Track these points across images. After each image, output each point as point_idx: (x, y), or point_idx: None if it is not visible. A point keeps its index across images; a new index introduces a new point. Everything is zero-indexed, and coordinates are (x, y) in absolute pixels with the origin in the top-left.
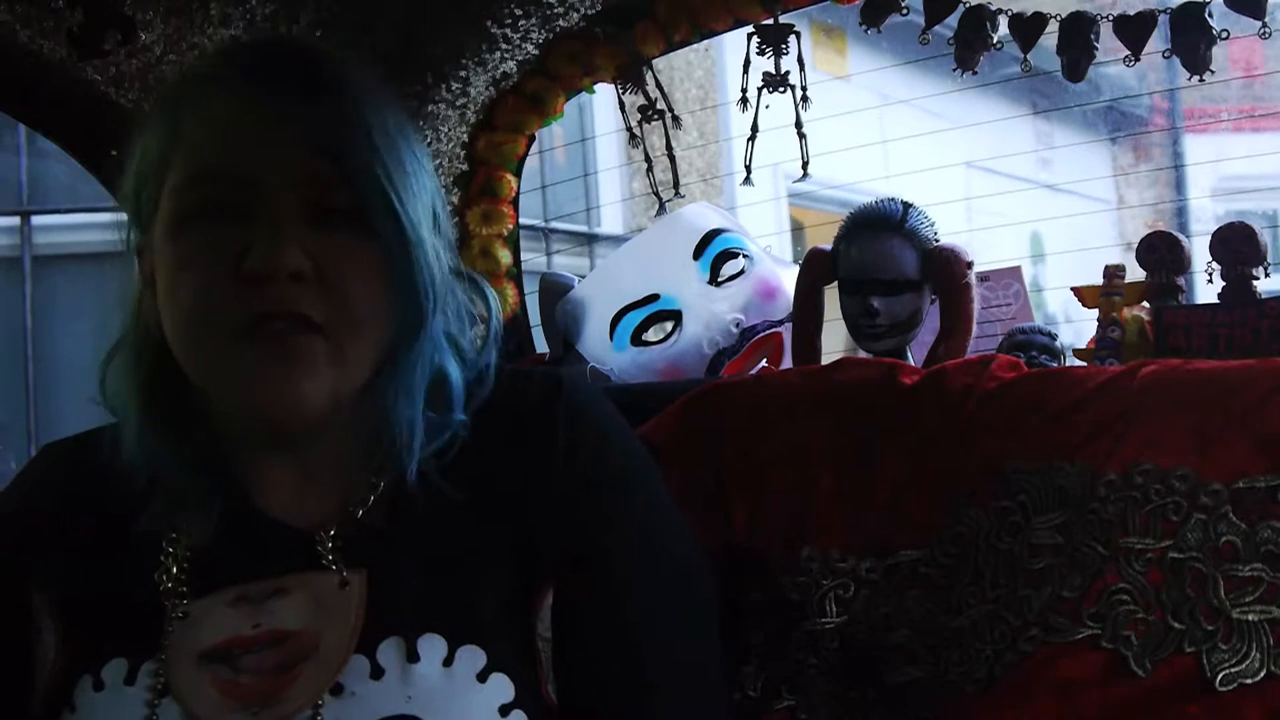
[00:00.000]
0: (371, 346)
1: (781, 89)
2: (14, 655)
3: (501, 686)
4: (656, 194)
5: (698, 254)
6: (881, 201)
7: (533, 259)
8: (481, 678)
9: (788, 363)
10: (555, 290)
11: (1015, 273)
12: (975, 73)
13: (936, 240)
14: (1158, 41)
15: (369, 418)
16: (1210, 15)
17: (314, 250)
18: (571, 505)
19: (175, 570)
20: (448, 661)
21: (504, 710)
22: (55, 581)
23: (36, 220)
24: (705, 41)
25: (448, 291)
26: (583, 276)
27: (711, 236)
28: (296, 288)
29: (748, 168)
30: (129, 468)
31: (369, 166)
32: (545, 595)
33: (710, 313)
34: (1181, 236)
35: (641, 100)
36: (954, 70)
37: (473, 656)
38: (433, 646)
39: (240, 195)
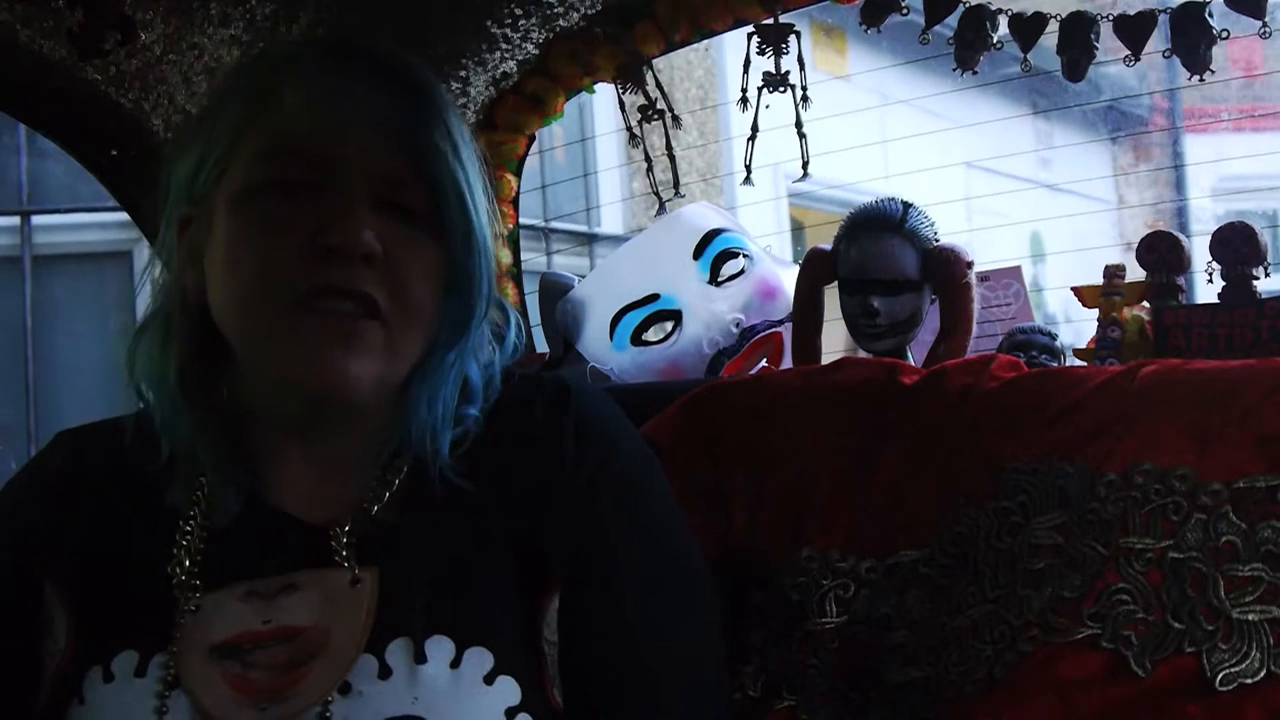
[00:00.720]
0: (418, 341)
1: (781, 89)
2: (24, 646)
3: (508, 689)
4: (656, 194)
5: (698, 254)
6: (881, 201)
7: (533, 259)
8: (489, 680)
9: (788, 363)
10: (555, 290)
11: (1015, 273)
12: (975, 73)
13: (936, 240)
14: (1158, 41)
15: (389, 414)
16: (1210, 15)
17: (381, 235)
18: (578, 510)
19: (188, 563)
20: (455, 663)
21: (510, 713)
22: (67, 572)
23: (36, 220)
24: (705, 41)
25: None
26: (583, 276)
27: (712, 236)
28: (366, 269)
29: (748, 168)
30: (151, 449)
31: (452, 173)
32: (551, 598)
33: (710, 312)
34: (1181, 236)
35: (641, 100)
36: (954, 70)
37: (480, 658)
38: (440, 648)
39: (318, 174)
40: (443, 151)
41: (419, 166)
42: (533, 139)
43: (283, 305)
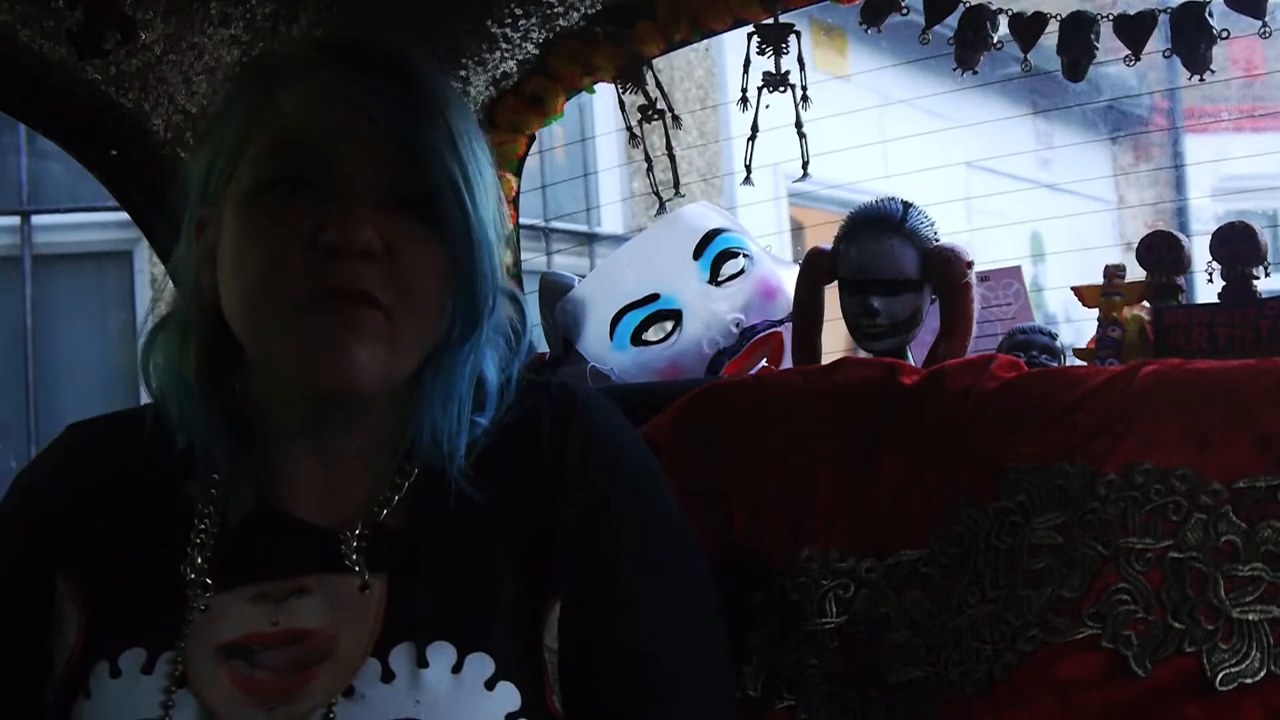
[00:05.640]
0: (424, 335)
1: (781, 89)
2: (36, 639)
3: (508, 695)
4: (656, 194)
5: (698, 254)
6: (881, 201)
7: (533, 259)
8: (489, 685)
9: (788, 363)
10: (555, 290)
11: (1015, 273)
12: (975, 73)
13: (936, 240)
14: (1158, 41)
15: (400, 416)
16: (1210, 15)
17: (384, 231)
18: (583, 519)
19: (200, 561)
20: (456, 668)
21: (510, 718)
22: (80, 566)
23: (36, 220)
24: (705, 41)
25: (499, 297)
26: (583, 276)
27: (712, 236)
28: (366, 266)
29: (748, 168)
30: (168, 445)
31: (448, 169)
32: (552, 606)
33: (710, 312)
34: (1182, 236)
35: (641, 100)
36: (954, 70)
37: (481, 664)
38: (442, 653)
39: (318, 170)
40: (437, 148)
41: (414, 163)
42: (533, 139)
43: (288, 304)
